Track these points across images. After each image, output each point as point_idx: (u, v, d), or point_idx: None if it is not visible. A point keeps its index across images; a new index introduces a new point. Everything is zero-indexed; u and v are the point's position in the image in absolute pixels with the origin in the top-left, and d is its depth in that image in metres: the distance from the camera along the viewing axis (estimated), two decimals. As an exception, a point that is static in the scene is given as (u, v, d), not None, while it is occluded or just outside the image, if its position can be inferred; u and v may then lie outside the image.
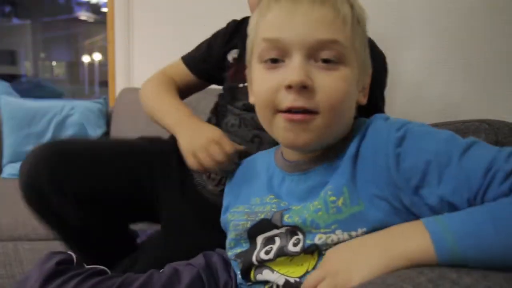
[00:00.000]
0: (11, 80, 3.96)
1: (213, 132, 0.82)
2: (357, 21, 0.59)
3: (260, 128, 0.73)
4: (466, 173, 0.48)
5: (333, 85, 0.56)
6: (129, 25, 2.54)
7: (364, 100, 0.64)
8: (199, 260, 0.71)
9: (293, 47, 0.56)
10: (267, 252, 0.62)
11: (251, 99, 0.67)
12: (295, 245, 0.59)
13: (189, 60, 1.07)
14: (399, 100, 1.04)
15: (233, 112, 0.93)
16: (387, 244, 0.48)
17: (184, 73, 1.06)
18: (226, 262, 0.72)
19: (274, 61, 0.58)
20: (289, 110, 0.56)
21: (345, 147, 0.59)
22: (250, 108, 0.84)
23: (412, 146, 0.53)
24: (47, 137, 1.97)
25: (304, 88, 0.55)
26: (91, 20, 6.89)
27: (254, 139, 0.86)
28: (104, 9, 2.89)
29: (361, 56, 0.60)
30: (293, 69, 0.55)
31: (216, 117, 1.00)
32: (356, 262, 0.48)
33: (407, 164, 0.52)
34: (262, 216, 0.64)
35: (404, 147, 0.53)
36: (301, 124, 0.56)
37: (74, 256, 0.65)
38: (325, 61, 0.56)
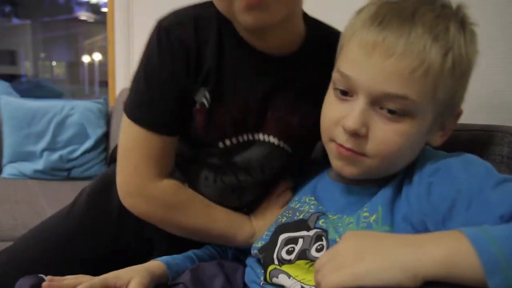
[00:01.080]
0: (11, 80, 3.95)
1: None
2: (451, 68, 0.52)
3: (241, 180, 0.71)
4: (497, 199, 0.46)
5: (388, 138, 0.54)
6: (129, 25, 2.54)
7: (439, 142, 0.60)
8: (185, 276, 0.67)
9: (360, 90, 0.55)
10: (288, 252, 0.61)
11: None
12: (318, 250, 0.59)
13: (153, 123, 0.67)
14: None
15: (207, 165, 0.73)
16: (414, 240, 0.43)
17: (163, 145, 0.69)
18: (223, 266, 0.71)
19: (344, 93, 0.57)
20: (340, 145, 0.57)
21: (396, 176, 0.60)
22: (229, 157, 0.71)
23: (445, 176, 0.52)
24: (47, 137, 1.98)
25: (356, 135, 0.55)
26: (91, 20, 6.88)
27: (235, 190, 0.74)
28: (104, 9, 2.88)
29: (445, 103, 0.55)
30: (352, 113, 0.55)
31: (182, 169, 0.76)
32: (370, 253, 0.43)
33: (437, 193, 0.52)
34: (301, 217, 0.64)
35: (436, 177, 0.53)
36: (348, 158, 0.57)
37: (45, 278, 0.63)
38: (390, 111, 0.54)
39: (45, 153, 1.95)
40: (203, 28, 0.65)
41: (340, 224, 0.59)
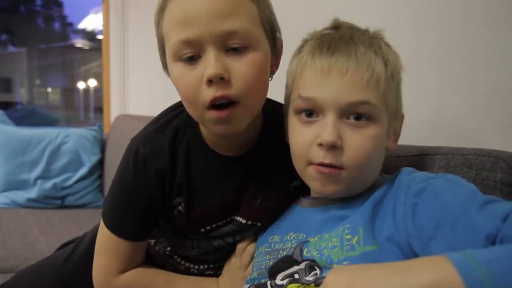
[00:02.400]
0: (6, 108, 3.96)
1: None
2: (391, 76, 0.61)
3: (215, 245, 0.77)
4: (483, 220, 0.47)
5: (360, 143, 0.59)
6: (124, 52, 2.57)
7: (393, 145, 0.67)
8: None
9: (327, 107, 0.59)
10: (281, 279, 0.63)
11: None
12: (311, 277, 0.60)
13: (124, 232, 0.73)
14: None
15: (187, 238, 0.79)
16: (401, 268, 0.44)
17: (131, 248, 0.74)
18: None
19: (310, 114, 0.62)
20: (319, 163, 0.60)
21: (368, 191, 0.63)
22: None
23: (430, 197, 0.54)
24: (41, 165, 1.96)
25: (333, 147, 0.59)
26: (86, 47, 6.96)
27: (209, 252, 0.79)
28: (100, 36, 2.91)
29: (392, 107, 0.62)
30: (326, 129, 0.59)
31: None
32: (359, 284, 0.44)
33: (422, 213, 0.53)
34: (284, 253, 0.65)
35: (422, 198, 0.55)
36: (329, 176, 0.60)
37: None
38: (357, 117, 0.60)
39: (39, 181, 1.93)
40: (177, 151, 0.71)
41: (322, 244, 0.60)
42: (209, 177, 0.72)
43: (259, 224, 0.76)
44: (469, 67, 0.79)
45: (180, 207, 0.73)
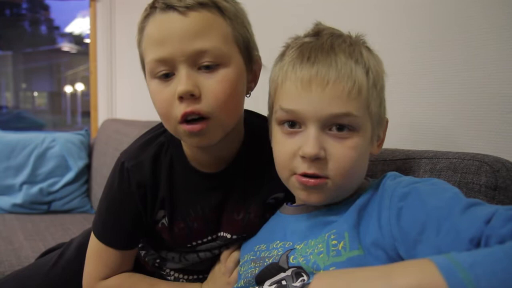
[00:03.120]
0: (-9, 112, 3.90)
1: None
2: (373, 84, 0.61)
3: (201, 257, 0.79)
4: (466, 223, 0.47)
5: (344, 154, 0.59)
6: (111, 56, 2.55)
7: (378, 150, 0.67)
8: None
9: (309, 119, 0.59)
10: (268, 286, 0.63)
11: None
12: (298, 283, 0.60)
13: (109, 241, 0.76)
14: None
15: (174, 251, 0.82)
16: (385, 272, 0.44)
17: (117, 257, 0.77)
18: None
19: (292, 124, 0.62)
20: (303, 174, 0.60)
21: (353, 196, 0.63)
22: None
23: (414, 201, 0.54)
24: (27, 169, 1.94)
25: (317, 159, 0.59)
26: (73, 51, 6.90)
27: (196, 263, 0.82)
28: (87, 40, 2.89)
29: (376, 114, 0.62)
30: (308, 141, 0.59)
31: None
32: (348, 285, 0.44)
33: (407, 217, 0.53)
34: (270, 261, 0.65)
35: (406, 202, 0.55)
36: (313, 187, 0.60)
37: None
38: (339, 128, 0.60)
39: (25, 186, 1.91)
40: (160, 166, 0.75)
41: (308, 250, 0.60)
42: (190, 192, 0.75)
43: (245, 236, 0.77)
44: (456, 72, 0.81)
45: (163, 220, 0.76)
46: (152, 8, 0.65)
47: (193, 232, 0.76)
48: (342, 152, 0.59)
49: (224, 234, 0.77)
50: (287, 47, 0.65)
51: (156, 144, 0.76)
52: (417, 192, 0.55)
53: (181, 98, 0.62)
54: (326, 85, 0.58)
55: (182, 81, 0.62)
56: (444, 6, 0.82)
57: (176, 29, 0.62)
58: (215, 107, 0.63)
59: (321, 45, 0.61)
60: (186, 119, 0.63)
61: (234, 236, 0.77)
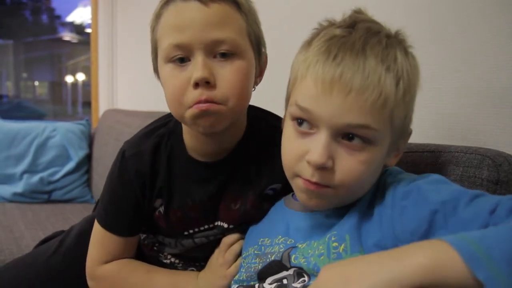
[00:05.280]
0: (-9, 101, 3.90)
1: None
2: (402, 95, 0.55)
3: (197, 243, 0.80)
4: (471, 215, 0.47)
5: (353, 168, 0.55)
6: (113, 46, 2.54)
7: (394, 162, 0.63)
8: None
9: (322, 124, 0.55)
10: (269, 283, 0.62)
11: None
12: (299, 284, 0.59)
13: (111, 227, 0.79)
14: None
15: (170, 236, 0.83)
16: (397, 254, 0.43)
17: (119, 243, 0.79)
18: None
19: (305, 124, 0.58)
20: (306, 179, 0.58)
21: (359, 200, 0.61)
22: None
23: (417, 199, 0.53)
24: (28, 159, 1.94)
25: (323, 168, 0.55)
26: (74, 40, 6.88)
27: (193, 249, 0.82)
28: (88, 30, 2.88)
29: (398, 128, 0.58)
30: (317, 148, 0.55)
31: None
32: (356, 275, 0.43)
33: (411, 216, 0.52)
34: (273, 258, 0.64)
35: (409, 200, 0.53)
36: (315, 192, 0.57)
37: None
38: (353, 138, 0.55)
39: (25, 176, 1.91)
40: (159, 157, 0.76)
41: (310, 252, 0.59)
42: (188, 182, 0.76)
43: (241, 225, 0.78)
44: (464, 65, 0.80)
45: (160, 209, 0.77)
46: None
47: (190, 221, 0.77)
48: (351, 165, 0.55)
49: (221, 223, 0.78)
50: (317, 34, 0.60)
51: (157, 135, 0.77)
52: (420, 190, 0.54)
53: (196, 84, 0.63)
54: (349, 92, 0.53)
55: (198, 67, 0.63)
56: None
57: (198, 17, 0.64)
58: (229, 95, 0.65)
59: (352, 43, 0.55)
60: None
61: (231, 226, 0.77)
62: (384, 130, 0.55)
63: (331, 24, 0.60)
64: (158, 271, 0.81)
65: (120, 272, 0.79)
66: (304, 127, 0.58)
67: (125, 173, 0.76)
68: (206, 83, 0.63)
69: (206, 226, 0.78)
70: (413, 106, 0.60)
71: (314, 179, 0.56)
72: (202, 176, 0.76)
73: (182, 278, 0.80)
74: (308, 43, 0.60)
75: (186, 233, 0.79)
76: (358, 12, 0.61)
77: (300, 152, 0.58)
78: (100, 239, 0.79)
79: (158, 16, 0.69)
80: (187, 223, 0.78)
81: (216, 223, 0.78)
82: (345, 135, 0.55)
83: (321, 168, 0.55)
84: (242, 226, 0.77)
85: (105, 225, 0.78)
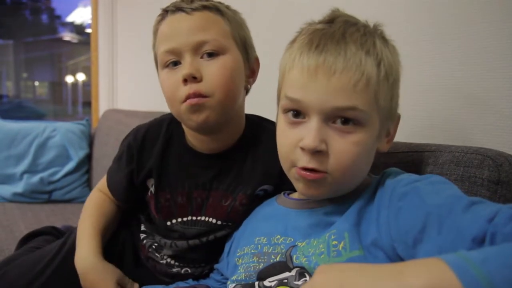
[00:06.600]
0: (-9, 101, 3.90)
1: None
2: (385, 76, 0.58)
3: (191, 244, 0.83)
4: (469, 222, 0.46)
5: (346, 149, 0.58)
6: (113, 46, 2.54)
7: (386, 147, 0.65)
8: None
9: (312, 110, 0.58)
10: (270, 281, 0.62)
11: None
12: (301, 282, 0.59)
13: (112, 186, 0.92)
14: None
15: (165, 236, 0.87)
16: (395, 271, 0.41)
17: (110, 204, 0.93)
18: None
19: (296, 114, 0.60)
20: (303, 168, 0.59)
21: (355, 194, 0.61)
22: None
23: (414, 200, 0.53)
24: (28, 159, 1.94)
25: (317, 152, 0.57)
26: (75, 40, 6.88)
27: (187, 250, 0.85)
28: (88, 30, 2.88)
29: (385, 109, 0.60)
30: (309, 133, 0.57)
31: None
32: (351, 286, 0.41)
33: (407, 216, 0.52)
34: (278, 259, 0.64)
35: (406, 201, 0.54)
36: (313, 181, 0.59)
37: None
38: (344, 122, 0.58)
39: (25, 176, 1.91)
40: (152, 136, 0.86)
41: (310, 250, 0.59)
42: (180, 168, 0.83)
43: (230, 224, 0.80)
44: (464, 65, 0.80)
45: (152, 189, 0.84)
46: (164, 12, 0.77)
47: (176, 207, 0.82)
48: (344, 147, 0.57)
49: (210, 219, 0.81)
50: (300, 32, 0.64)
51: (161, 120, 0.87)
52: (417, 191, 0.54)
53: (185, 80, 0.72)
54: (332, 74, 0.56)
55: (186, 66, 0.72)
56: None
57: (184, 25, 0.74)
58: (214, 87, 0.72)
59: (333, 33, 0.59)
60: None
61: (219, 222, 0.80)
62: (371, 111, 0.58)
63: (311, 23, 0.64)
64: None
65: (90, 202, 0.92)
66: (296, 117, 0.60)
67: (124, 143, 0.89)
68: (194, 78, 0.72)
69: (189, 218, 0.81)
70: (398, 90, 0.63)
71: (310, 165, 0.58)
72: (194, 164, 0.82)
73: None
74: (292, 42, 0.64)
75: (169, 223, 0.83)
76: (335, 10, 0.65)
77: (294, 141, 0.60)
78: (104, 184, 0.93)
79: (155, 32, 0.79)
80: (174, 209, 0.82)
81: (201, 218, 0.81)
82: (335, 119, 0.58)
83: (315, 153, 0.57)
84: (228, 224, 0.80)
85: (108, 184, 0.92)
